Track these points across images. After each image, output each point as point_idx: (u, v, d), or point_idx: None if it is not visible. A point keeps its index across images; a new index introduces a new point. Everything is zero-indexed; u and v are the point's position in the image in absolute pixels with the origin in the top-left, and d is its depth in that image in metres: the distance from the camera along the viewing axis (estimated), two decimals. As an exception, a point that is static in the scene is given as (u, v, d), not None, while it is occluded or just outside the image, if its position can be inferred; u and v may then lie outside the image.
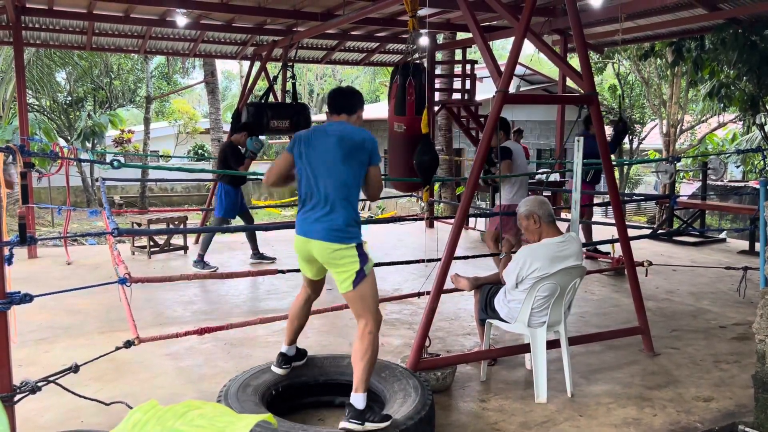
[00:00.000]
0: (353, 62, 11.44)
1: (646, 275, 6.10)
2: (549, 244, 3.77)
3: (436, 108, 9.94)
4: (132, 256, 8.09)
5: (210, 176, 10.91)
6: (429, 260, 5.07)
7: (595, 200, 8.60)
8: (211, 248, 7.50)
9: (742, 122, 16.12)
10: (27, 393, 2.95)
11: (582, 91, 4.58)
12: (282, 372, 3.53)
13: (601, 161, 4.77)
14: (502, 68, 4.11)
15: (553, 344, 3.94)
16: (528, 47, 5.54)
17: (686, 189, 16.27)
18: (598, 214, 11.13)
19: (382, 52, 10.63)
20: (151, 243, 8.13)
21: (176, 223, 8.67)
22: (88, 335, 5.02)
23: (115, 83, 23.47)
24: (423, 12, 7.46)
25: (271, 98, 9.21)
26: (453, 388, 3.99)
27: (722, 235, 9.57)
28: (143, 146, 21.89)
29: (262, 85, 13.47)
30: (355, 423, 2.99)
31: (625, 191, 18.05)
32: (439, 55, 10.83)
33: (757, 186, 5.46)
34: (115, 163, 4.82)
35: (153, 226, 8.31)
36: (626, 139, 19.05)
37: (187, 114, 26.06)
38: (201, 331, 4.15)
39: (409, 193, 5.64)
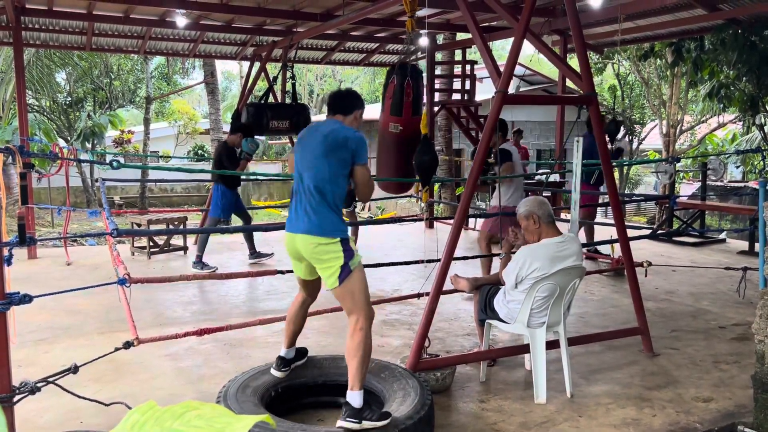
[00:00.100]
0: (353, 63, 11.45)
1: (646, 276, 6.10)
2: (548, 245, 3.77)
3: (436, 108, 9.95)
4: (132, 257, 8.09)
5: (210, 176, 10.92)
6: (428, 261, 5.07)
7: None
8: (211, 249, 7.50)
9: (741, 123, 16.13)
10: (26, 394, 2.95)
11: (581, 91, 4.58)
12: (281, 375, 3.53)
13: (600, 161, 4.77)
14: (502, 69, 4.11)
15: (552, 345, 3.94)
16: (528, 48, 5.54)
17: (686, 189, 16.26)
18: (598, 215, 11.12)
19: (382, 53, 10.63)
20: (151, 243, 8.14)
21: (176, 223, 8.67)
22: (88, 336, 5.02)
23: (114, 84, 23.48)
24: (423, 12, 7.48)
25: (270, 99, 9.22)
26: (452, 389, 3.99)
27: (722, 236, 9.57)
28: (143, 147, 21.89)
29: (261, 85, 13.47)
30: (352, 421, 2.98)
31: (625, 192, 18.06)
32: (438, 56, 10.83)
33: (757, 186, 5.46)
34: (115, 164, 4.82)
35: (153, 227, 8.31)
36: (626, 140, 19.04)
37: (187, 114, 26.04)
38: (200, 332, 4.15)
39: (398, 195, 5.59)
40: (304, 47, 9.95)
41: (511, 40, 4.82)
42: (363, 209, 18.06)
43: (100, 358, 3.74)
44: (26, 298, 2.93)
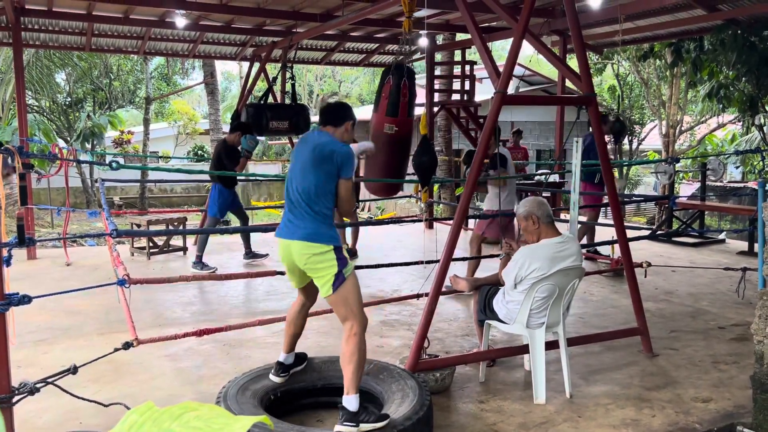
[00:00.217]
0: (353, 63, 11.45)
1: (645, 276, 6.10)
2: (548, 245, 3.77)
3: (435, 109, 9.96)
4: (131, 257, 8.10)
5: (209, 177, 10.91)
6: (428, 261, 5.07)
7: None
8: (210, 249, 7.51)
9: (741, 123, 16.14)
10: (25, 394, 2.95)
11: (581, 92, 4.58)
12: (280, 380, 3.53)
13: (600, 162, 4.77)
14: (501, 69, 4.11)
15: (551, 345, 3.94)
16: (527, 48, 5.54)
17: (685, 190, 16.27)
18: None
19: (382, 53, 10.64)
20: (151, 244, 8.14)
21: (175, 224, 8.67)
22: (87, 336, 5.02)
23: (114, 84, 23.48)
24: (422, 13, 7.48)
25: (270, 99, 9.23)
26: (452, 389, 3.99)
27: (721, 236, 9.57)
28: (143, 147, 21.88)
29: (261, 86, 13.47)
30: (350, 425, 2.99)
31: (625, 192, 18.05)
32: (438, 56, 10.83)
33: (756, 187, 5.46)
34: (114, 165, 4.82)
35: (152, 227, 8.31)
36: (626, 140, 19.05)
37: (186, 115, 26.04)
38: (200, 333, 4.16)
39: (388, 197, 5.53)
40: (303, 48, 9.95)
41: (510, 40, 4.82)
42: (363, 210, 18.06)
43: (99, 358, 3.74)
44: (26, 299, 2.93)
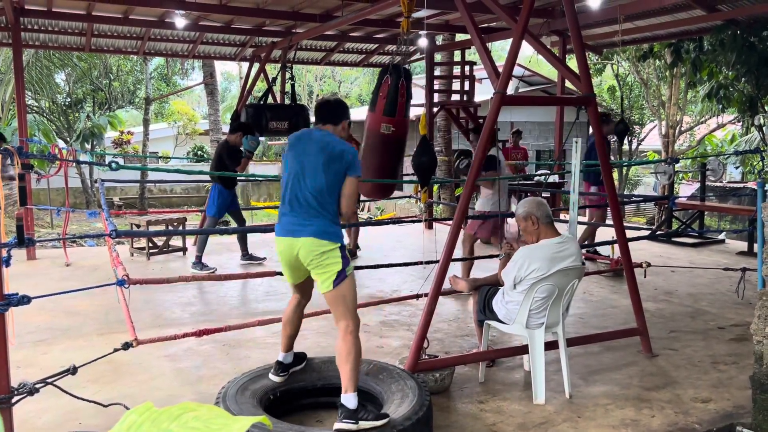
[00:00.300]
0: (352, 63, 11.46)
1: (645, 276, 6.10)
2: (547, 245, 3.77)
3: (435, 109, 9.96)
4: (131, 258, 8.09)
5: (209, 177, 10.89)
6: (427, 262, 5.06)
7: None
8: (210, 249, 7.50)
9: (740, 123, 16.15)
10: (25, 395, 2.95)
11: (580, 92, 4.58)
12: (279, 380, 3.54)
13: (600, 162, 4.77)
14: (501, 69, 4.11)
15: (551, 345, 3.94)
16: (527, 48, 5.53)
17: (685, 190, 16.28)
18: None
19: (381, 54, 10.64)
20: (150, 244, 8.13)
21: (175, 224, 8.67)
22: (87, 337, 5.02)
23: (114, 84, 23.48)
24: (422, 13, 7.48)
25: (270, 99, 9.23)
26: (451, 390, 3.99)
27: (721, 236, 9.57)
28: (142, 147, 21.89)
29: (261, 86, 13.47)
30: (349, 422, 3.00)
31: (625, 192, 18.05)
32: (438, 57, 10.84)
33: (756, 187, 5.46)
34: (114, 165, 4.82)
35: (152, 228, 8.31)
36: (625, 140, 19.05)
37: (186, 115, 26.04)
38: (199, 333, 4.15)
39: (381, 199, 5.47)
40: (303, 48, 9.95)
41: (509, 40, 4.82)
42: (362, 210, 18.07)
43: (98, 359, 3.74)
44: (25, 299, 2.93)
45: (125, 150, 22.99)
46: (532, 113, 18.58)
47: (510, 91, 4.18)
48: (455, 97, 9.78)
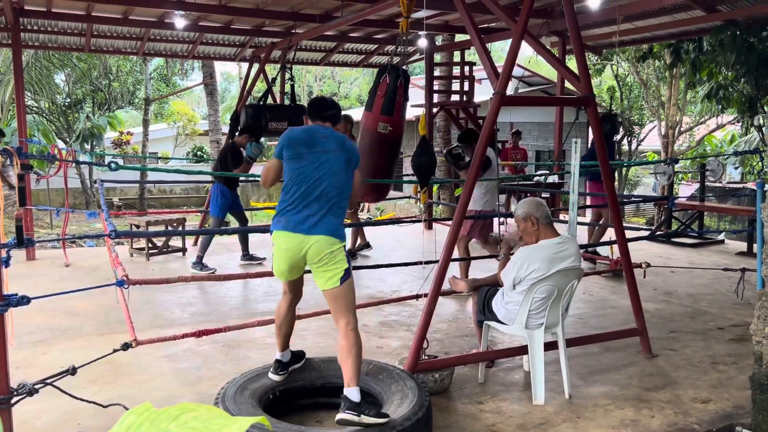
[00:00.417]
0: (352, 64, 11.46)
1: (644, 277, 6.10)
2: (546, 246, 3.77)
3: (435, 109, 9.96)
4: (130, 258, 8.09)
5: (209, 178, 10.89)
6: (427, 262, 5.06)
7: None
8: (210, 249, 7.50)
9: (740, 124, 16.15)
10: (24, 395, 2.95)
11: (580, 93, 4.58)
12: (279, 378, 3.55)
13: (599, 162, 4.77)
14: (500, 70, 4.11)
15: (550, 346, 3.94)
16: (526, 49, 5.54)
17: (685, 190, 16.28)
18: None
19: (381, 54, 10.64)
20: (150, 245, 8.13)
21: (174, 224, 8.67)
22: (86, 337, 5.02)
23: (113, 85, 23.47)
24: (421, 14, 7.48)
25: (269, 100, 9.23)
26: (451, 390, 3.99)
27: (720, 237, 9.58)
28: (142, 148, 21.88)
29: (260, 86, 13.48)
30: (351, 414, 3.01)
31: (624, 192, 18.06)
32: (437, 57, 10.84)
33: (755, 187, 5.47)
34: (113, 165, 4.82)
35: (151, 228, 8.31)
36: (625, 141, 19.05)
37: (186, 116, 26.03)
38: (199, 333, 4.15)
39: (375, 201, 5.39)
40: (302, 48, 9.95)
41: (509, 41, 4.82)
42: (362, 210, 18.07)
43: (98, 359, 3.74)
44: (24, 300, 2.93)
45: (125, 150, 22.99)
46: (531, 114, 18.58)
47: (509, 91, 4.18)
48: (455, 97, 9.79)
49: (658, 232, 9.14)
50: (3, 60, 16.88)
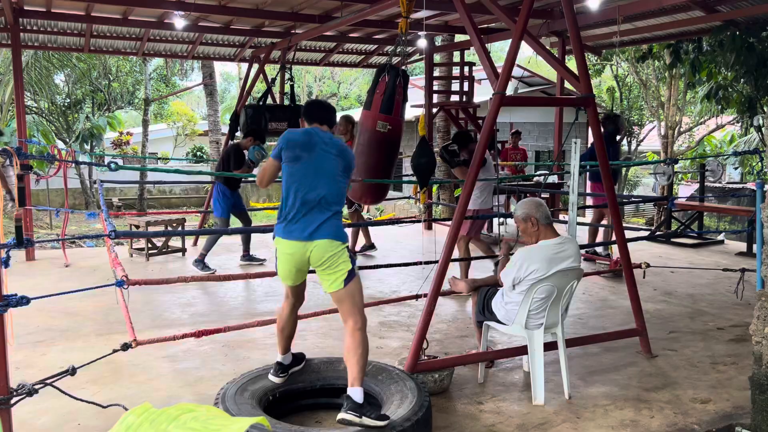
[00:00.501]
0: (351, 64, 11.46)
1: (644, 277, 6.10)
2: (546, 246, 3.77)
3: (434, 110, 9.96)
4: (130, 258, 8.09)
5: (209, 178, 10.88)
6: (426, 262, 5.06)
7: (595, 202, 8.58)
8: (211, 249, 7.50)
9: (739, 124, 16.16)
10: (24, 396, 2.95)
11: (579, 93, 4.58)
12: (279, 380, 3.55)
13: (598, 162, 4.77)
14: (500, 70, 4.12)
15: (550, 346, 3.94)
16: (526, 49, 5.54)
17: (684, 191, 16.28)
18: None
19: (381, 54, 10.64)
20: (149, 245, 8.13)
21: (174, 225, 8.66)
22: (86, 338, 5.01)
23: (113, 85, 23.45)
24: (421, 14, 7.49)
25: (269, 100, 9.23)
26: (450, 390, 3.99)
27: (720, 237, 9.58)
28: (141, 148, 21.88)
29: (260, 87, 13.48)
30: (353, 414, 3.02)
31: (624, 193, 18.06)
32: (437, 57, 10.84)
33: (755, 188, 5.47)
34: (113, 166, 4.82)
35: (151, 228, 8.31)
36: (624, 141, 19.05)
37: (185, 116, 26.03)
38: (198, 334, 4.15)
39: (374, 203, 5.33)
40: (302, 49, 9.95)
41: (509, 41, 4.82)
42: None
43: (98, 360, 3.74)
44: (24, 300, 2.93)
45: (124, 151, 22.98)
46: (531, 114, 18.58)
47: (509, 91, 4.18)
48: (454, 97, 9.78)
49: (658, 233, 9.14)
50: (2, 60, 16.87)
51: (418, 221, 9.39)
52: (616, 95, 19.17)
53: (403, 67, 4.89)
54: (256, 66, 9.45)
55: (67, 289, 4.33)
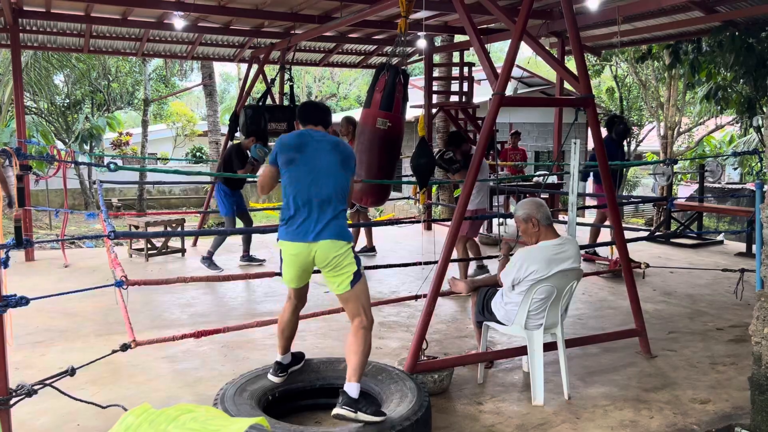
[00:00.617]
0: (351, 65, 11.46)
1: (644, 277, 6.11)
2: (546, 247, 3.77)
3: (434, 110, 9.96)
4: (129, 259, 8.09)
5: (208, 178, 10.87)
6: (426, 263, 5.06)
7: (594, 202, 8.59)
8: (209, 250, 7.50)
9: (739, 124, 16.16)
10: (23, 396, 2.95)
11: (579, 93, 4.58)
12: (278, 380, 3.55)
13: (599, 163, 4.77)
14: (499, 71, 4.12)
15: (550, 346, 3.94)
16: (526, 49, 5.54)
17: (684, 191, 16.29)
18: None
19: (380, 55, 10.64)
20: (149, 245, 8.13)
21: (173, 225, 8.66)
22: (85, 338, 5.01)
23: (113, 86, 23.44)
24: (421, 14, 7.49)
25: (268, 100, 9.23)
26: (450, 391, 3.99)
27: (719, 237, 9.58)
28: (141, 149, 21.87)
29: (260, 87, 13.48)
30: (348, 410, 3.02)
31: (623, 193, 18.04)
32: (436, 58, 10.84)
33: (754, 188, 5.47)
34: (112, 166, 4.82)
35: (150, 229, 8.31)
36: (624, 142, 19.02)
37: (185, 116, 26.03)
38: (198, 334, 4.15)
39: (374, 204, 5.27)
40: (302, 49, 9.95)
41: (508, 42, 4.82)
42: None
43: (97, 360, 3.74)
44: (23, 301, 2.93)
45: (124, 151, 22.97)
46: (530, 114, 18.58)
47: (509, 92, 4.18)
48: (454, 98, 9.79)
49: (657, 233, 9.14)
50: (2, 61, 16.85)
51: (418, 222, 9.39)
52: (615, 96, 19.16)
53: (403, 68, 4.89)
54: (255, 66, 9.45)
55: (67, 290, 4.33)
